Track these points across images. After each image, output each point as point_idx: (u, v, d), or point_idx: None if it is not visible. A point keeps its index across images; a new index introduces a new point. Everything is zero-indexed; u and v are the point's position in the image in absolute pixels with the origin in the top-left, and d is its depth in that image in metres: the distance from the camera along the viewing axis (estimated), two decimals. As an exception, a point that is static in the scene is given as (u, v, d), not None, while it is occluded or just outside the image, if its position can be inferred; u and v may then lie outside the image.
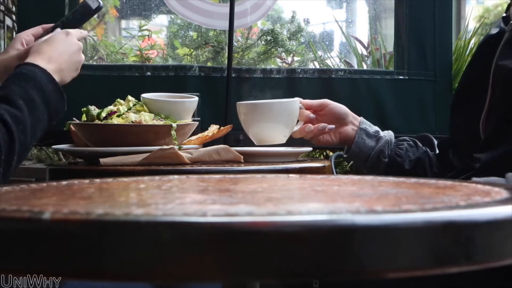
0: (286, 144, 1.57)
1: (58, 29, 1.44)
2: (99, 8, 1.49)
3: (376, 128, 1.56)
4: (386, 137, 1.54)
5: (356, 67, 2.87)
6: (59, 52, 1.36)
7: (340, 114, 1.55)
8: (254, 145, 1.59)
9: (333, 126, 1.52)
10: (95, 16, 3.49)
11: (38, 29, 1.49)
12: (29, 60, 1.32)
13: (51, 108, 1.27)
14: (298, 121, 1.53)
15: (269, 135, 1.50)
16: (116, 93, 1.37)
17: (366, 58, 2.92)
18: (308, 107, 1.54)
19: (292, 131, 1.52)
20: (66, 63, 1.37)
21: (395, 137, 1.56)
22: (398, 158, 1.52)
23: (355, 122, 1.55)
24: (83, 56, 1.42)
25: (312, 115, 1.53)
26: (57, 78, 1.32)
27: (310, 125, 1.51)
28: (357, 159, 1.57)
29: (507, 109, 1.30)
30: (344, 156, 1.58)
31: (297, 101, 1.50)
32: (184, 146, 1.48)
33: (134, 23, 3.51)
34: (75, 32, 1.43)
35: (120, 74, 2.13)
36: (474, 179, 1.16)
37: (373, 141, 1.53)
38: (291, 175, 0.88)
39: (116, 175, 0.91)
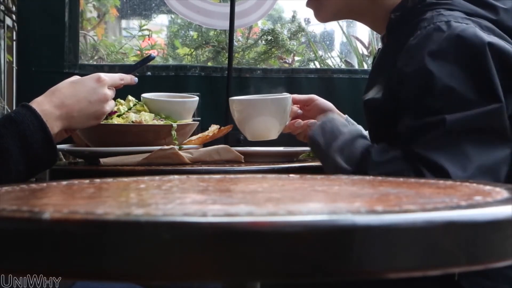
0: (286, 144, 1.56)
1: (95, 74, 1.33)
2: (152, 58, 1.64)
3: (359, 127, 1.55)
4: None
5: (356, 67, 2.87)
6: (77, 99, 1.26)
7: (326, 110, 1.54)
8: (254, 145, 1.58)
9: None
10: (95, 15, 3.50)
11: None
12: (40, 98, 1.23)
13: (32, 158, 1.17)
14: None
15: (264, 130, 1.49)
16: (116, 93, 1.37)
17: (367, 58, 2.92)
18: (295, 102, 1.54)
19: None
20: (82, 111, 1.27)
21: None
22: None
23: None
24: (108, 108, 1.32)
25: (299, 110, 1.53)
26: (61, 124, 1.24)
27: (300, 120, 1.51)
28: None
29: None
30: None
31: (290, 97, 1.51)
32: (185, 146, 1.48)
33: (134, 22, 3.52)
34: (111, 80, 1.33)
35: (121, 74, 2.12)
36: None
37: None
38: (291, 175, 0.88)
39: (116, 175, 0.91)
